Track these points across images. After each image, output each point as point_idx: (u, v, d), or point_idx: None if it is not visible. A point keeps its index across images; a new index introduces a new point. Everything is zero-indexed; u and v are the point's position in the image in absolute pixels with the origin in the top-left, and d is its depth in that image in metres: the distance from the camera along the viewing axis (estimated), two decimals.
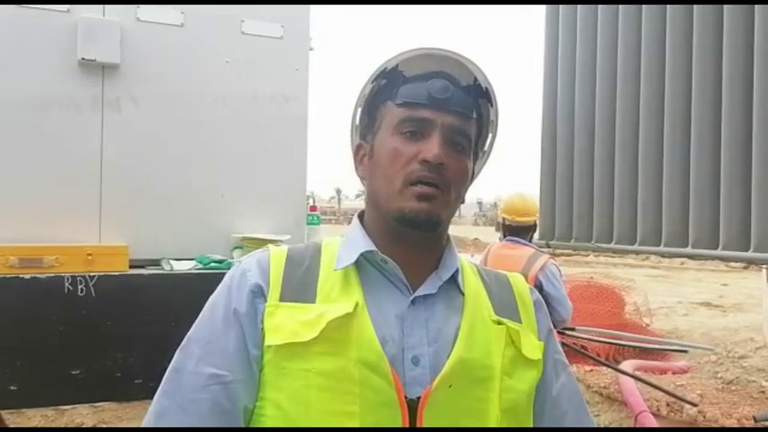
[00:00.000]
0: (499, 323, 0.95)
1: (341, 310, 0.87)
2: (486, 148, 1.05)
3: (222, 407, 0.87)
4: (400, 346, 0.88)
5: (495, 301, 0.98)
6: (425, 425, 0.85)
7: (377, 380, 0.85)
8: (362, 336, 0.87)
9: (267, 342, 0.88)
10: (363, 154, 1.00)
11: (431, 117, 0.92)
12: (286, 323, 0.88)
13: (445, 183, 0.91)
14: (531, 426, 0.96)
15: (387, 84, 0.98)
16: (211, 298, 0.96)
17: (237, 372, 0.88)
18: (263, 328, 0.89)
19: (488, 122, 1.02)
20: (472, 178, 1.03)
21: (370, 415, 0.84)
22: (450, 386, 0.87)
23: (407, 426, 0.85)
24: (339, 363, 0.85)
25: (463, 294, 0.96)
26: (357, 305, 0.88)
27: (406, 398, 0.85)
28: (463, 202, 1.00)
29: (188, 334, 0.94)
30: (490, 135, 1.04)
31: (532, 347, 0.97)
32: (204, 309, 0.96)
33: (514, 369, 0.93)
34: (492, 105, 1.00)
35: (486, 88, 0.98)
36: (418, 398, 0.85)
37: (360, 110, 1.03)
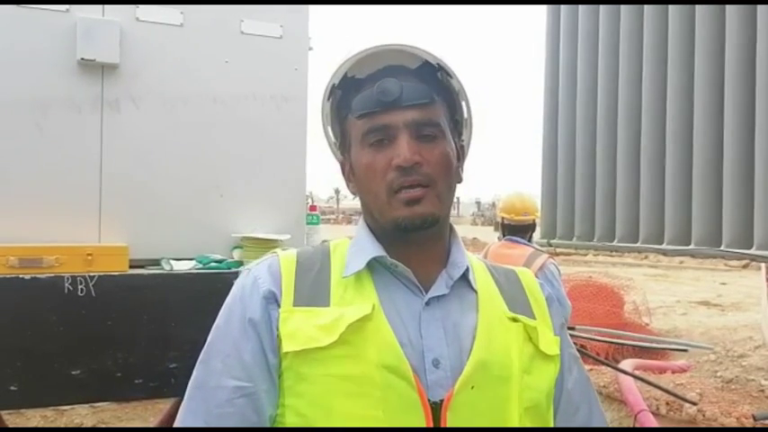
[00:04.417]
0: (515, 320, 0.95)
1: (359, 312, 0.87)
2: (465, 116, 1.02)
3: (250, 420, 0.86)
4: (419, 349, 0.88)
5: (507, 298, 0.98)
6: (450, 426, 0.85)
7: (399, 383, 0.85)
8: (382, 339, 0.86)
9: (284, 348, 0.87)
10: (349, 171, 1.00)
11: (389, 121, 0.91)
12: (302, 328, 0.87)
13: (428, 178, 0.91)
14: (552, 425, 0.96)
15: (344, 94, 0.98)
16: (224, 308, 0.95)
17: (260, 381, 0.87)
18: (278, 335, 0.88)
19: (456, 92, 1.00)
20: (463, 152, 1.02)
21: (393, 419, 0.84)
22: (473, 387, 0.87)
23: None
24: (360, 367, 0.85)
25: (476, 292, 0.96)
26: (374, 307, 0.88)
27: (429, 400, 0.85)
28: (460, 181, 0.99)
29: (205, 348, 0.93)
30: (464, 103, 1.01)
31: (549, 343, 0.96)
32: (218, 320, 0.94)
33: (533, 366, 0.93)
34: (452, 76, 0.98)
35: (438, 64, 0.96)
36: (441, 400, 0.85)
37: (329, 128, 1.03)
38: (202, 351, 0.93)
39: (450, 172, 0.95)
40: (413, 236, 0.93)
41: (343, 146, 1.01)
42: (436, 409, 0.85)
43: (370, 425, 0.83)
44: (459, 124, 1.02)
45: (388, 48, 0.94)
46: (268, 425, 0.87)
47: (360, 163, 0.94)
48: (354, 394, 0.84)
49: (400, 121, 0.91)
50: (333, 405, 0.84)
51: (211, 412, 0.87)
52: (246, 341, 0.89)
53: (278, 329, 0.88)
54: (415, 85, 0.92)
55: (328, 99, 1.00)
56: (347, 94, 0.97)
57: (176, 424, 0.90)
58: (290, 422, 0.86)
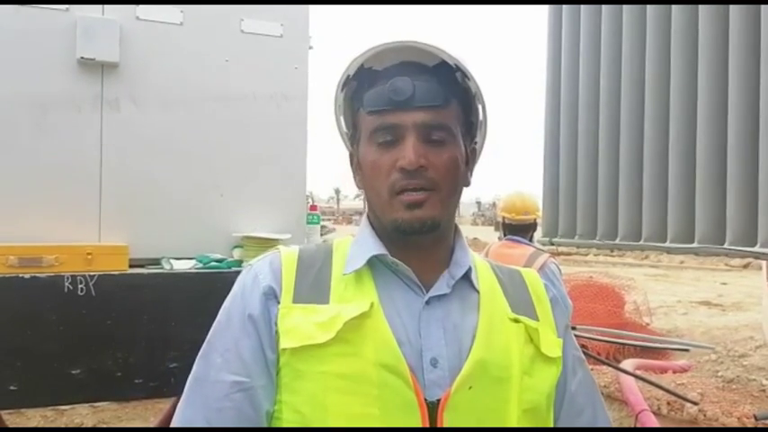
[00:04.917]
0: (516, 321, 0.94)
1: (356, 309, 0.86)
2: (480, 118, 1.01)
3: (247, 415, 0.86)
4: (418, 348, 0.87)
5: (510, 299, 0.97)
6: (446, 426, 0.84)
7: (396, 382, 0.84)
8: (379, 337, 0.86)
9: (282, 345, 0.87)
10: (357, 163, 0.99)
11: (399, 121, 0.90)
12: (300, 325, 0.87)
13: (432, 183, 0.90)
14: (552, 426, 0.95)
15: (358, 86, 0.97)
16: (225, 303, 0.95)
17: (257, 377, 0.87)
18: (277, 331, 0.88)
19: (472, 94, 0.98)
20: (474, 155, 1.01)
21: (389, 417, 0.83)
22: (470, 387, 0.86)
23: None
24: (357, 365, 0.84)
25: (478, 292, 0.95)
26: (372, 305, 0.87)
27: (425, 400, 0.84)
28: (468, 185, 0.98)
29: (205, 343, 0.94)
30: (479, 105, 1.00)
31: (551, 345, 0.96)
32: (219, 315, 0.95)
33: (534, 368, 0.92)
34: (469, 78, 0.96)
35: (456, 65, 0.94)
36: (438, 400, 0.84)
37: (341, 118, 1.02)
38: (203, 346, 0.94)
39: (456, 177, 0.94)
40: (413, 239, 0.92)
41: (353, 137, 1.00)
42: (433, 408, 0.84)
43: (366, 423, 0.83)
44: (473, 126, 1.00)
45: (405, 44, 0.93)
46: (264, 420, 0.87)
47: (366, 160, 0.94)
48: (350, 392, 0.84)
49: (409, 121, 0.90)
50: (329, 402, 0.84)
51: (210, 406, 0.87)
52: (246, 337, 0.89)
53: (276, 326, 0.88)
54: (429, 85, 0.91)
55: (342, 89, 0.99)
56: (362, 86, 0.96)
57: (175, 416, 0.91)
58: (287, 418, 0.86)
